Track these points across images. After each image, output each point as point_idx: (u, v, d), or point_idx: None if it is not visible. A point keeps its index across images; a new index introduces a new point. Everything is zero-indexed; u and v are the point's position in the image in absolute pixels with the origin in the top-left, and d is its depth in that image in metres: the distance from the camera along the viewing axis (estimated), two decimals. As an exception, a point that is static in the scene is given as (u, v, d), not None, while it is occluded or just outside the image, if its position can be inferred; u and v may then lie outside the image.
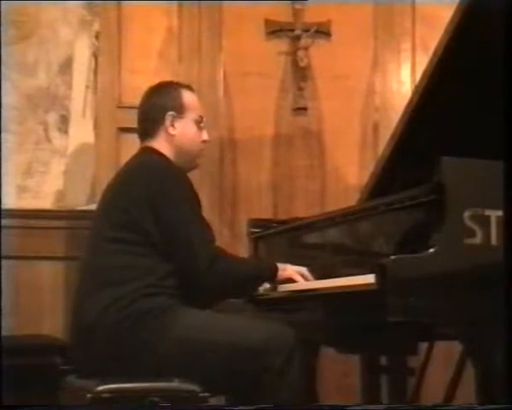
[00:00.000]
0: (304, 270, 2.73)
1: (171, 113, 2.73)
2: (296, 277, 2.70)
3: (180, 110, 2.74)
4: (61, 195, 3.88)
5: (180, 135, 2.73)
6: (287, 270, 2.72)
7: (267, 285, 2.76)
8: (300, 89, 3.89)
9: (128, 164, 2.74)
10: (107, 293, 2.48)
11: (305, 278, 2.71)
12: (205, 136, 2.80)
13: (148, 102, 2.78)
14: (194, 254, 2.54)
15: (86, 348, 2.51)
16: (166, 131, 2.72)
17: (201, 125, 2.79)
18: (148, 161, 2.67)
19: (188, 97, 2.78)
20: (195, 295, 2.57)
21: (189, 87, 2.83)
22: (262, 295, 2.77)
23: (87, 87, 3.91)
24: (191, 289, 2.55)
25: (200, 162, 2.86)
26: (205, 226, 2.65)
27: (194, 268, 2.54)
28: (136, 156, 2.75)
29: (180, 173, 2.64)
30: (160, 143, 2.72)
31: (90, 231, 2.69)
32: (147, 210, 2.53)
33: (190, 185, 2.63)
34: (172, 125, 2.73)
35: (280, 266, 2.73)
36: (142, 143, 2.78)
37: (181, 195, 2.58)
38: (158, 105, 2.74)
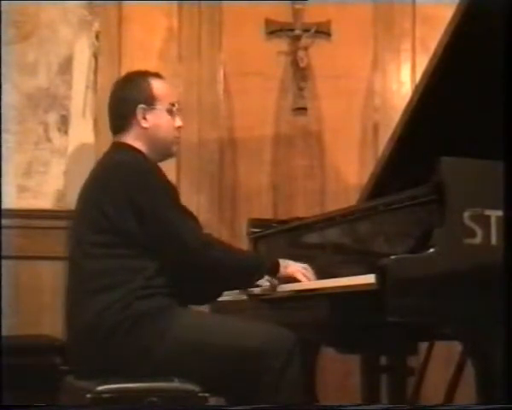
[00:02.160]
0: (306, 268, 2.70)
1: (141, 106, 2.66)
2: (298, 275, 2.66)
3: (151, 102, 2.67)
4: (61, 195, 3.88)
5: (153, 127, 2.67)
6: (289, 267, 2.68)
7: (266, 284, 2.74)
8: (300, 89, 3.89)
9: (101, 162, 2.69)
10: (101, 298, 2.45)
11: (308, 278, 2.67)
12: (178, 122, 2.73)
13: (118, 96, 2.72)
14: (184, 243, 2.50)
15: (83, 354, 2.49)
16: (139, 125, 2.66)
17: (174, 110, 2.71)
18: (121, 158, 2.61)
19: (157, 87, 2.70)
20: (190, 290, 2.55)
21: (157, 75, 2.75)
22: (262, 294, 2.77)
23: (87, 87, 3.91)
24: (184, 285, 2.52)
25: (176, 150, 2.78)
26: (189, 216, 2.60)
27: (187, 257, 2.51)
28: (108, 153, 2.70)
29: (154, 167, 2.59)
30: (133, 138, 2.66)
31: (71, 232, 2.66)
32: (126, 210, 2.49)
33: (166, 178, 2.58)
34: (144, 118, 2.66)
35: (282, 262, 2.69)
36: (114, 137, 2.72)
37: (159, 189, 2.54)
38: (127, 99, 2.68)
